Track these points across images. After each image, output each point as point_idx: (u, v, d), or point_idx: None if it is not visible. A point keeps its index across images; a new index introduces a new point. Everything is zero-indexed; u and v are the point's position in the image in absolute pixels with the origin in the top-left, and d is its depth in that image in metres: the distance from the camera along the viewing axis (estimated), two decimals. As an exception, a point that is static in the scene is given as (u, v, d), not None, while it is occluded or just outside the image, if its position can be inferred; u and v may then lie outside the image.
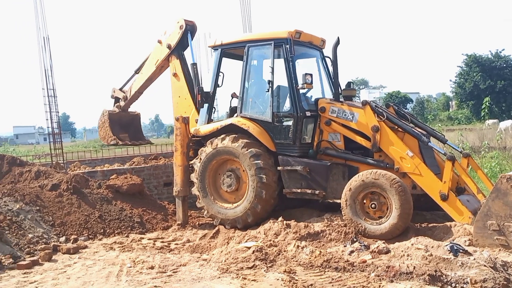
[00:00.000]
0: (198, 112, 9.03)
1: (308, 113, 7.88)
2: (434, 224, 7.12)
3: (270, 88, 7.93)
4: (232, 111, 8.90)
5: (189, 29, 9.69)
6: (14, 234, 7.23)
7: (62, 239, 7.68)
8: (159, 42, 9.95)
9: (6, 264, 6.44)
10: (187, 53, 9.84)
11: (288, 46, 7.84)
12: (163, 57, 9.89)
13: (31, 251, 7.01)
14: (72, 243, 7.52)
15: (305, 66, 8.70)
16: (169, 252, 7.06)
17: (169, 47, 9.74)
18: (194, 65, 9.44)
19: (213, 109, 9.03)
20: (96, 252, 7.19)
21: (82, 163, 11.86)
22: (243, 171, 8.04)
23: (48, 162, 11.84)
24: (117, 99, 11.65)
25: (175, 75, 9.69)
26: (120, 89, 11.53)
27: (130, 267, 6.20)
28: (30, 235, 7.38)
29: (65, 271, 6.19)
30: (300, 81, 7.76)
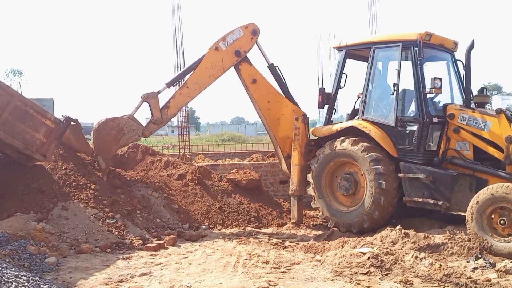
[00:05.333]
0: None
1: (435, 119, 7.53)
2: None
3: (395, 91, 7.71)
4: (353, 113, 8.79)
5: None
6: (144, 218, 7.91)
7: (186, 226, 8.23)
8: (217, 49, 8.79)
9: (136, 245, 7.08)
10: (258, 57, 9.25)
11: (417, 48, 7.55)
12: (228, 65, 8.86)
13: (158, 235, 7.63)
14: (194, 231, 8.01)
15: (434, 69, 8.30)
16: (283, 249, 7.21)
17: (238, 54, 8.84)
18: (274, 65, 9.14)
19: (333, 110, 9.01)
20: (215, 241, 7.59)
21: (206, 156, 12.59)
22: (362, 175, 7.91)
23: (176, 153, 12.76)
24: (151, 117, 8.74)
25: (254, 82, 8.97)
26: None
27: (246, 259, 6.43)
28: (158, 220, 8.02)
29: (187, 257, 6.63)
30: (428, 85, 7.44)
